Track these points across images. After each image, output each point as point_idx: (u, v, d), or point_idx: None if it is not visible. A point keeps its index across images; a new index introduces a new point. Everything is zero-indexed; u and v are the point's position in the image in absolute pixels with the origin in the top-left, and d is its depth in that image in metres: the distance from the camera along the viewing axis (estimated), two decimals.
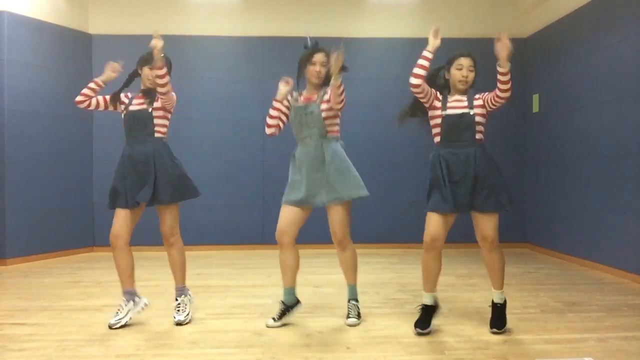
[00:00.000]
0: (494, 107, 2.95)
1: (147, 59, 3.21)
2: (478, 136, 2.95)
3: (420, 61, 2.89)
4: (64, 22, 5.85)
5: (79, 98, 3.24)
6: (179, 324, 3.14)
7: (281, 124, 3.22)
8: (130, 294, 3.20)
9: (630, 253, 4.43)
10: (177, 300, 3.26)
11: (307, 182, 3.06)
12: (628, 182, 4.47)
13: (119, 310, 3.16)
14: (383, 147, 6.24)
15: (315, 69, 3.09)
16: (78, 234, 5.94)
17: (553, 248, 5.69)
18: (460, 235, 6.29)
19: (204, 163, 5.99)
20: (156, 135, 3.20)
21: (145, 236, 6.14)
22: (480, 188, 2.87)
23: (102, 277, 4.61)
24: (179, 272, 3.29)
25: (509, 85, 2.86)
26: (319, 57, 3.09)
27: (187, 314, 3.20)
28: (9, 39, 5.27)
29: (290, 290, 3.23)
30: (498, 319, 3.00)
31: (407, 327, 3.08)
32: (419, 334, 2.94)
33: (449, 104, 2.97)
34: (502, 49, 2.80)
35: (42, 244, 5.55)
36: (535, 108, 6.09)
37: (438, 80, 3.09)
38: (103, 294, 3.99)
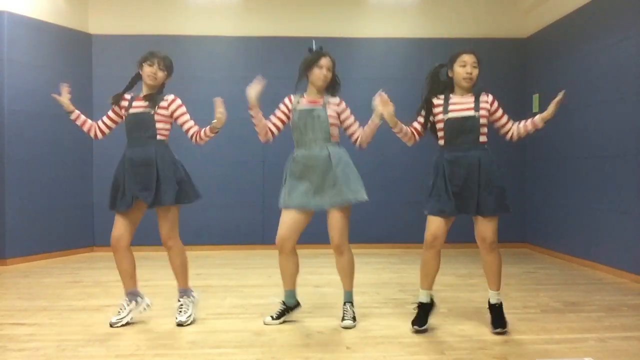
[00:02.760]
0: (494, 126, 3.03)
1: (146, 57, 3.19)
2: (482, 138, 2.96)
3: (396, 132, 3.02)
4: (64, 22, 5.85)
5: (91, 134, 3.33)
6: (179, 324, 3.14)
7: (274, 130, 3.17)
8: (133, 294, 3.22)
9: (630, 253, 4.43)
10: (179, 301, 3.26)
11: (311, 186, 3.05)
12: (628, 182, 4.47)
13: (120, 309, 3.16)
14: (383, 147, 6.23)
15: (322, 73, 3.08)
16: (78, 234, 5.94)
17: (553, 248, 5.69)
18: (460, 235, 6.31)
19: (204, 163, 5.98)
20: (158, 137, 3.18)
21: (146, 236, 6.16)
22: (484, 192, 2.88)
23: (102, 277, 4.61)
24: (180, 275, 3.29)
25: (526, 135, 3.02)
26: (325, 61, 3.09)
27: (189, 316, 3.20)
28: (9, 39, 5.27)
29: (291, 293, 3.25)
30: (499, 318, 3.00)
31: (407, 327, 3.08)
32: (417, 332, 2.96)
33: (451, 107, 2.94)
34: (555, 107, 2.94)
35: (42, 244, 5.55)
36: (535, 108, 6.09)
37: (441, 77, 3.07)
38: (103, 294, 3.99)
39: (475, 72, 2.94)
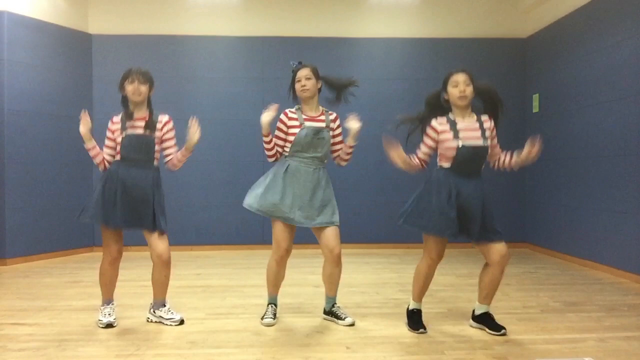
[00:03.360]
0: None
1: (124, 76, 3.10)
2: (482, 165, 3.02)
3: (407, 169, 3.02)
4: (64, 22, 5.85)
5: (100, 168, 3.19)
6: (182, 322, 3.17)
7: (281, 151, 3.22)
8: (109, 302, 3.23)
9: (630, 253, 4.43)
10: (163, 307, 3.23)
11: (296, 201, 3.10)
12: (628, 182, 4.47)
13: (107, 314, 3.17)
14: (383, 147, 6.25)
15: (300, 85, 3.15)
16: (78, 234, 5.94)
17: (553, 248, 5.69)
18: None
19: (204, 163, 5.99)
20: (155, 162, 3.17)
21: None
22: (487, 219, 2.91)
23: None
24: (165, 287, 3.24)
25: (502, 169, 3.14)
26: (302, 73, 3.16)
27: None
28: (9, 39, 5.27)
29: (276, 296, 3.33)
30: (494, 322, 3.01)
31: (407, 327, 3.08)
32: (423, 332, 2.98)
33: (462, 133, 2.90)
34: (526, 156, 3.07)
35: (42, 244, 5.56)
36: (535, 108, 6.09)
37: (442, 102, 3.03)
38: None
39: (469, 89, 2.92)
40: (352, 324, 3.14)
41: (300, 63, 3.22)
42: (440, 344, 2.82)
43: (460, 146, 2.88)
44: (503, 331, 2.96)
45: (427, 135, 2.98)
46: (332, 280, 3.21)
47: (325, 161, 3.21)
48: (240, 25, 6.26)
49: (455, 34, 6.29)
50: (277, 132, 3.18)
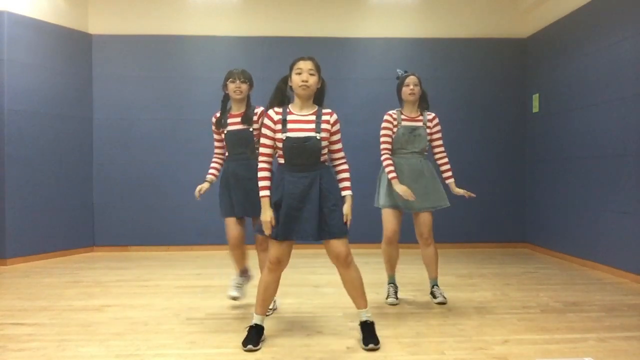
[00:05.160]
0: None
1: (227, 77, 3.39)
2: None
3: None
4: (64, 22, 5.85)
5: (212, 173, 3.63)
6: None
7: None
8: (245, 271, 3.56)
9: (630, 253, 4.43)
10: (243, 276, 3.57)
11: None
12: (628, 182, 4.47)
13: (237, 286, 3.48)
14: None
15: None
16: (78, 234, 5.94)
17: (553, 248, 5.69)
18: (461, 235, 6.32)
19: (204, 163, 5.96)
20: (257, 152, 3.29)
21: (146, 237, 6.16)
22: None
23: (102, 277, 4.61)
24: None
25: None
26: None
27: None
28: (9, 39, 5.27)
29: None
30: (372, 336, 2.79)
31: (407, 327, 3.09)
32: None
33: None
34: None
35: (42, 244, 5.56)
36: (535, 108, 6.09)
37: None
38: (103, 294, 3.99)
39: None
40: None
41: (406, 72, 3.61)
42: (440, 344, 2.82)
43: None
44: (369, 346, 2.72)
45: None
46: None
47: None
48: (240, 25, 6.26)
49: (455, 34, 6.29)
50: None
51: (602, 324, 3.14)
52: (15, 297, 3.88)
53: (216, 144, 3.56)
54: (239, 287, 3.46)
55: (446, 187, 3.65)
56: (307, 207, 2.68)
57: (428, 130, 3.59)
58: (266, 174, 2.74)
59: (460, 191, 3.55)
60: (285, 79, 2.83)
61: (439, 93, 6.42)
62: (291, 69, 2.77)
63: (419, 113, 3.60)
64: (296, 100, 2.79)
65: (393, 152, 3.56)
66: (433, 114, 3.63)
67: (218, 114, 3.47)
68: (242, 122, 3.34)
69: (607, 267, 4.71)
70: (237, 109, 3.40)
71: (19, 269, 5.02)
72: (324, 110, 2.78)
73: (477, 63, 6.33)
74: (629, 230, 4.44)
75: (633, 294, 3.93)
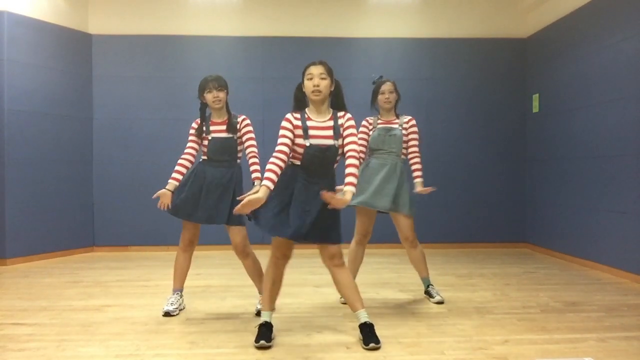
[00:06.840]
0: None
1: (202, 87, 3.36)
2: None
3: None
4: (64, 22, 5.85)
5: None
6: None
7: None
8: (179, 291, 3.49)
9: (630, 253, 4.43)
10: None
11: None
12: (628, 182, 4.47)
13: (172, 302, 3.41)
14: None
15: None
16: (78, 234, 5.94)
17: (553, 248, 5.69)
18: (461, 235, 6.32)
19: None
20: (238, 161, 3.39)
21: (146, 237, 6.16)
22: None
23: (102, 277, 4.61)
24: (258, 279, 3.37)
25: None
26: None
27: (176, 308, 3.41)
28: (9, 39, 5.27)
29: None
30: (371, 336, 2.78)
31: (407, 327, 3.09)
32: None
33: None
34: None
35: (42, 244, 5.55)
36: (535, 108, 6.09)
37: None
38: (103, 294, 3.99)
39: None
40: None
41: (381, 77, 3.65)
42: (440, 344, 2.82)
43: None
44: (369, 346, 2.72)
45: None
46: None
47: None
48: (240, 25, 6.26)
49: (455, 34, 6.29)
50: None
51: (602, 324, 3.14)
52: (15, 297, 3.88)
53: (191, 145, 3.39)
54: (174, 303, 3.39)
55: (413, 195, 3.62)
56: (312, 210, 2.72)
57: (404, 132, 3.60)
58: (276, 168, 2.68)
59: (425, 190, 3.55)
60: (300, 86, 2.86)
61: (438, 93, 6.43)
62: (303, 75, 2.80)
63: (396, 116, 3.67)
64: (311, 105, 2.82)
65: (371, 153, 3.62)
66: (410, 117, 3.66)
67: (198, 120, 3.39)
68: (227, 131, 3.31)
69: (607, 267, 4.71)
70: (218, 117, 3.37)
71: (19, 269, 5.02)
72: (339, 114, 2.82)
73: (477, 63, 6.33)
74: (629, 230, 4.44)
75: (633, 294, 3.93)
